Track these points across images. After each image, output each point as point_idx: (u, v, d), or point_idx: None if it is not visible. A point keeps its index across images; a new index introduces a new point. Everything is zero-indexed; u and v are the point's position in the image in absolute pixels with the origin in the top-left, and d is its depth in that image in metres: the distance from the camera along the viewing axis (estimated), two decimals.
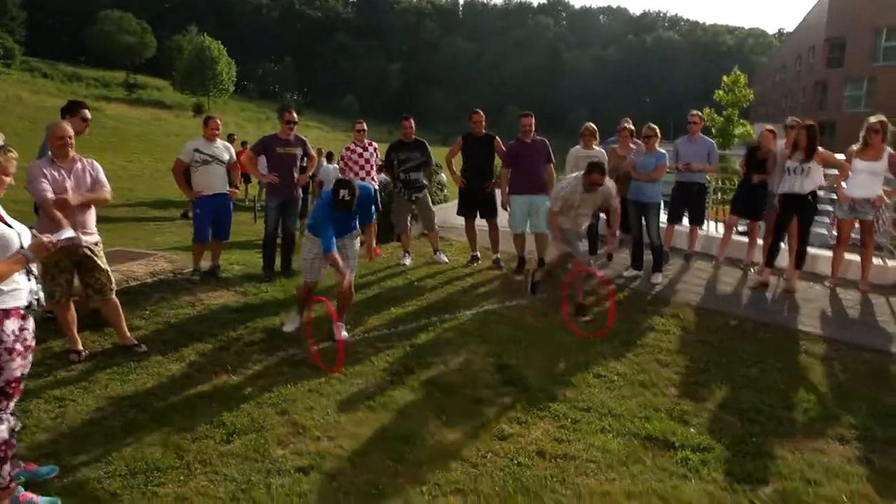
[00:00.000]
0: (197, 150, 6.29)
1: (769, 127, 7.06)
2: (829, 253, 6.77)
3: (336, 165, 10.19)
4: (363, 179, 7.89)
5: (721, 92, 14.10)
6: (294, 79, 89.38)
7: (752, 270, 6.84)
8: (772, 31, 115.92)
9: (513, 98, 75.63)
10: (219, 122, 6.61)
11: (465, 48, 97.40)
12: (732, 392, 3.92)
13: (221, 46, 60.27)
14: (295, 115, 6.91)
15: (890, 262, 6.89)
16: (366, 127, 8.05)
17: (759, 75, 53.90)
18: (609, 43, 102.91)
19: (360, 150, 7.67)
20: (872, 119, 6.14)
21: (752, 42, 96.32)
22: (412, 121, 7.48)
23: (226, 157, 6.44)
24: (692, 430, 3.38)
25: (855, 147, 6.21)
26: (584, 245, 5.98)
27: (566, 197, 5.56)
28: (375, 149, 7.95)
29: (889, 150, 6.10)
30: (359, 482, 2.84)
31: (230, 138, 9.40)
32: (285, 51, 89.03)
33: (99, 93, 56.62)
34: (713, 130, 13.55)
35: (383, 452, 3.09)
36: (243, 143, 14.33)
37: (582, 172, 5.52)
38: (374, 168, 7.94)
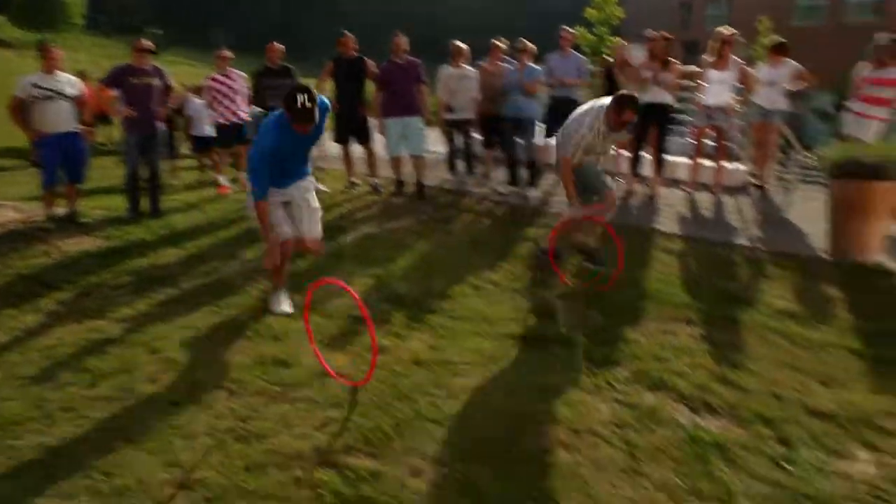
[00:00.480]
0: (35, 85, 5.68)
1: (624, 42, 7.34)
2: (689, 161, 7.27)
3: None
4: (234, 113, 7.52)
5: (591, 10, 14.42)
6: (155, 11, 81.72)
7: (619, 180, 7.23)
8: None
9: (393, 21, 73.34)
10: (59, 52, 5.97)
11: None
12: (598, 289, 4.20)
13: None
14: (149, 42, 6.36)
15: (738, 166, 7.50)
16: (231, 55, 7.60)
17: None
18: None
19: (224, 78, 7.24)
20: (724, 31, 6.52)
21: None
22: (275, 44, 7.13)
23: (70, 90, 5.85)
24: (560, 326, 3.60)
25: (708, 58, 6.59)
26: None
27: (588, 144, 4.25)
28: (244, 78, 7.56)
29: (738, 60, 6.52)
30: (235, 406, 2.81)
31: (81, 76, 8.55)
32: None
33: None
34: (586, 49, 13.87)
35: (261, 378, 3.07)
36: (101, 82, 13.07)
37: (598, 106, 4.22)
38: (244, 99, 7.56)
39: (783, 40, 6.81)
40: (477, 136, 7.66)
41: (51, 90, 5.69)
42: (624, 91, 4.20)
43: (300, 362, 3.22)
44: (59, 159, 5.80)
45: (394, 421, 2.68)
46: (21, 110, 5.72)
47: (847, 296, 4.12)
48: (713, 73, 6.46)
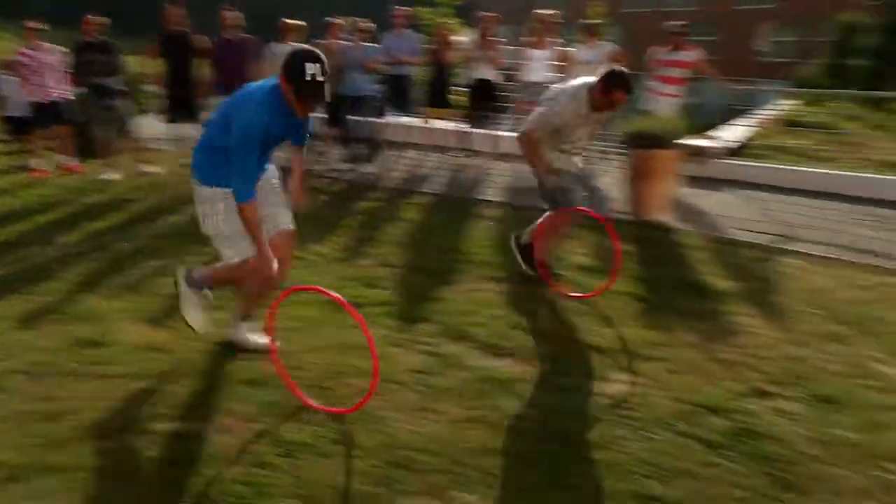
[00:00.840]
0: None
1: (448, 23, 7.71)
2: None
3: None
4: (49, 91, 6.99)
5: None
6: None
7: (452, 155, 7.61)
8: None
9: None
10: None
11: None
12: (421, 256, 4.49)
13: None
14: None
15: None
16: (40, 26, 7.03)
17: None
18: None
19: (33, 52, 6.71)
20: (543, 13, 7.03)
21: None
22: (91, 17, 6.72)
23: None
24: (378, 290, 3.84)
25: (528, 38, 7.09)
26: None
27: (563, 120, 3.62)
28: (61, 53, 7.03)
29: (555, 41, 7.07)
30: (41, 389, 2.76)
31: None
32: None
33: None
34: (429, 28, 14.19)
35: (72, 358, 3.02)
36: None
37: (579, 84, 3.62)
38: (60, 76, 7.04)
39: (597, 21, 7.44)
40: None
41: None
42: (615, 67, 3.52)
43: (115, 341, 3.19)
44: None
45: (206, 386, 2.78)
46: None
47: (637, 250, 4.72)
48: (534, 52, 6.97)
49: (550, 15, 7.00)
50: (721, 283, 4.11)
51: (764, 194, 6.42)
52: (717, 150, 7.42)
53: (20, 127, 8.33)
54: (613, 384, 2.89)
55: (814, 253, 4.66)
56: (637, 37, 33.32)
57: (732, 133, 8.74)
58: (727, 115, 9.84)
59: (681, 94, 6.71)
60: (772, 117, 10.57)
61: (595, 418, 2.63)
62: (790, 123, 10.24)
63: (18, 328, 3.35)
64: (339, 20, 7.38)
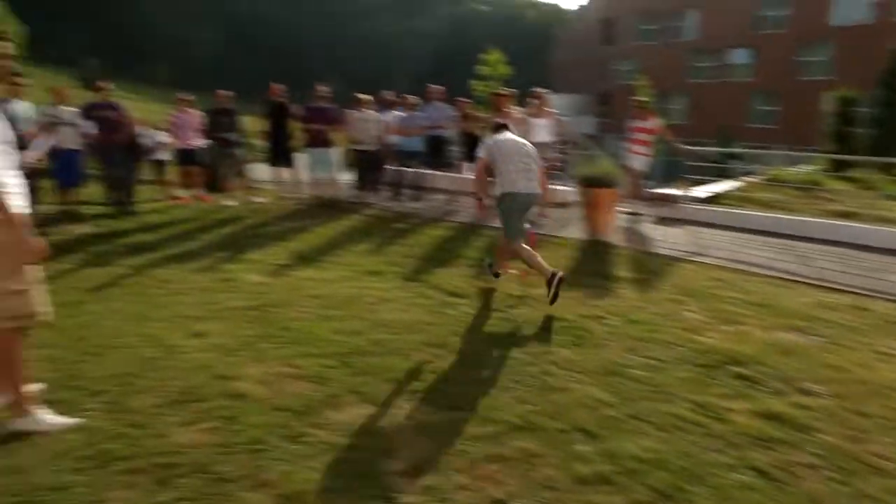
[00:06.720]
0: (45, 114, 7.96)
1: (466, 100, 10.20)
2: None
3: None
4: (190, 142, 9.88)
5: (484, 68, 17.45)
6: (93, 45, 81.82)
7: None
8: (571, 6, 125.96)
9: (328, 64, 75.73)
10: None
11: (283, 14, 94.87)
12: (444, 252, 6.78)
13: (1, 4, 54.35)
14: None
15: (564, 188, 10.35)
16: (188, 97, 10.01)
17: (556, 49, 60.18)
18: (425, 13, 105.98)
19: (181, 115, 9.67)
20: (540, 91, 9.40)
21: (552, 17, 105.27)
22: (223, 92, 9.63)
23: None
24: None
25: (530, 110, 9.44)
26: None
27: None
28: (199, 115, 9.93)
29: (551, 111, 9.38)
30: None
31: None
32: (82, 12, 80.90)
33: None
34: (480, 97, 16.77)
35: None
36: None
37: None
38: (199, 131, 9.93)
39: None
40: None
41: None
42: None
43: (243, 281, 5.63)
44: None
45: None
46: None
47: (581, 256, 6.81)
48: (534, 121, 9.28)
49: (541, 93, 9.32)
50: (622, 273, 6.16)
51: (706, 230, 8.34)
52: (685, 198, 9.45)
53: (159, 167, 11.44)
54: (517, 309, 5.05)
55: (705, 262, 6.62)
56: (705, 104, 35.18)
57: (715, 187, 10.72)
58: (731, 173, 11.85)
59: (648, 153, 8.84)
60: (762, 176, 12.41)
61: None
62: (774, 181, 12.02)
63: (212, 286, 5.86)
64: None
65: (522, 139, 5.47)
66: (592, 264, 6.53)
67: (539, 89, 9.41)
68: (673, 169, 12.75)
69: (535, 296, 5.35)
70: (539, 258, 5.22)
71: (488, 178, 5.44)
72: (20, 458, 2.84)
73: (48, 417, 3.10)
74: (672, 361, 4.12)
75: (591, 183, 7.34)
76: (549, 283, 4.89)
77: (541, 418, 3.31)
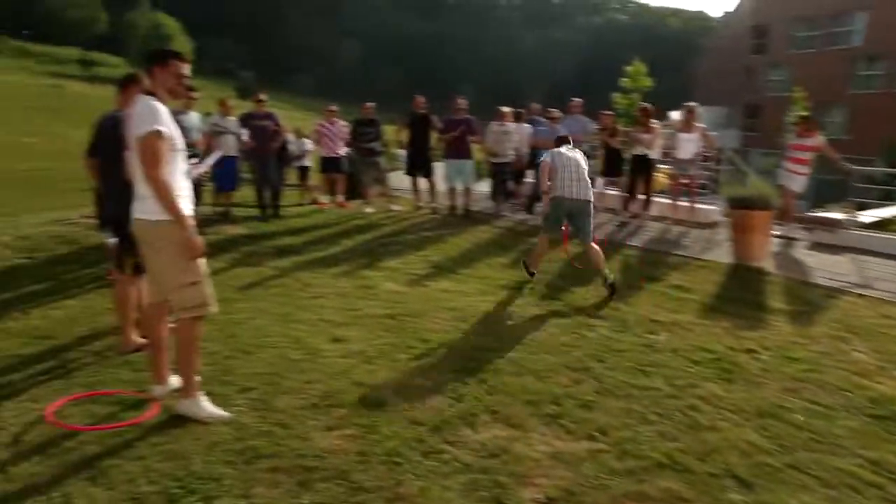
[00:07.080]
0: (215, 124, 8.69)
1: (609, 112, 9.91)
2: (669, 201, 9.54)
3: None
4: (335, 151, 10.35)
5: (626, 80, 16.92)
6: (248, 56, 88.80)
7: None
8: (717, 14, 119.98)
9: (463, 76, 76.89)
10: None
11: (420, 26, 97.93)
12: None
13: (175, 23, 60.71)
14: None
15: (710, 206, 9.74)
16: (335, 108, 10.52)
17: (700, 58, 57.28)
18: (562, 24, 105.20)
19: (329, 126, 10.17)
20: (690, 104, 8.91)
21: (696, 24, 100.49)
22: (369, 103, 10.01)
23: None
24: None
25: (678, 123, 8.99)
26: None
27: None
28: (345, 125, 10.39)
29: (700, 125, 8.87)
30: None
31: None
32: (238, 28, 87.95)
33: (54, 69, 56.60)
34: (621, 110, 16.30)
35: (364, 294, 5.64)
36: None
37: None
38: (344, 141, 10.38)
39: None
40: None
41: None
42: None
43: (381, 290, 5.78)
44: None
45: None
46: None
47: (728, 282, 6.35)
48: (682, 135, 8.81)
49: (694, 106, 8.82)
50: (776, 303, 5.66)
51: (870, 259, 7.46)
52: (850, 222, 8.57)
53: (303, 173, 12.16)
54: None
55: (871, 295, 5.93)
56: (866, 117, 31.96)
57: (882, 211, 9.63)
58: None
59: (808, 172, 8.09)
60: None
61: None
62: None
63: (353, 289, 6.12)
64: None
65: (573, 153, 6.10)
66: (742, 292, 6.06)
67: (690, 103, 8.94)
68: (827, 189, 11.68)
69: (681, 322, 5.05)
70: (540, 256, 6.24)
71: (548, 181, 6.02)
72: (181, 444, 3.06)
73: (209, 406, 3.36)
74: (838, 408, 3.70)
75: (743, 204, 6.82)
76: (528, 272, 6.19)
77: (687, 458, 3.09)
